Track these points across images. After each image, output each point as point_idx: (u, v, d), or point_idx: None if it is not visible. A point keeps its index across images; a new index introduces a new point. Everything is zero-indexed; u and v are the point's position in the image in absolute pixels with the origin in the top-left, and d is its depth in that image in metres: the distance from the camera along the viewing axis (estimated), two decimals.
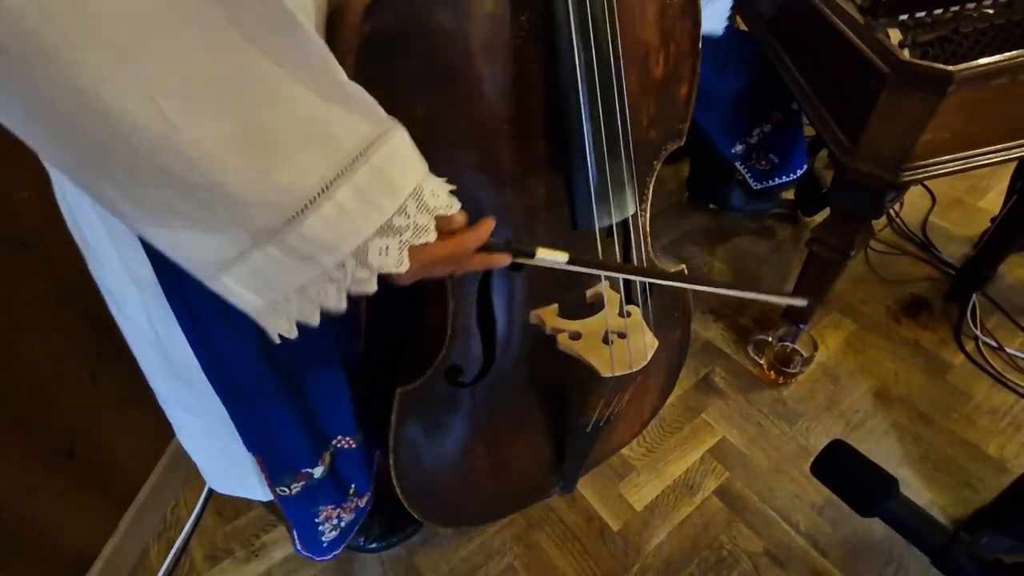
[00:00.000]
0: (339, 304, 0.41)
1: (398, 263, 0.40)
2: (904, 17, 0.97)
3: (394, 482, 0.84)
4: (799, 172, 1.49)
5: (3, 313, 0.80)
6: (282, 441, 0.72)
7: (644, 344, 0.70)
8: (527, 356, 0.77)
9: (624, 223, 0.70)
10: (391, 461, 0.81)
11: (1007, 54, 0.81)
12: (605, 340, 0.70)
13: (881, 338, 1.44)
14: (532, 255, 0.52)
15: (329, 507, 0.86)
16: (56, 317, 0.88)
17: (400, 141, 0.39)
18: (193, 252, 0.36)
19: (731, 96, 1.37)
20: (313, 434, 0.75)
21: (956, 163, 0.92)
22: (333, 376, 0.73)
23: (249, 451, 0.71)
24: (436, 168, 0.43)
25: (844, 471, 0.52)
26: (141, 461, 1.10)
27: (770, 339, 1.34)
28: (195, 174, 0.31)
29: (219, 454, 0.75)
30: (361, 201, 0.37)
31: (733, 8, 1.26)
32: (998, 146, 0.91)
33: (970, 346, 1.40)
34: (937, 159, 0.90)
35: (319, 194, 0.35)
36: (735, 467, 1.21)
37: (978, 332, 1.41)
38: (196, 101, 0.29)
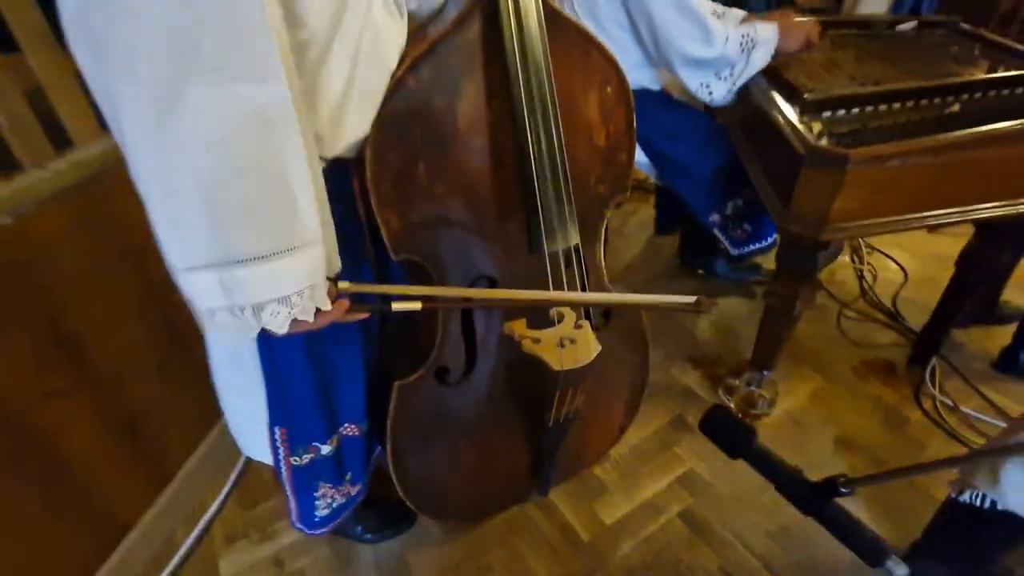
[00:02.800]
0: (243, 331, 0.59)
1: (280, 327, 0.59)
2: (827, 114, 1.21)
3: (391, 469, 1.01)
4: (770, 240, 1.69)
5: (103, 306, 1.04)
6: (304, 418, 0.90)
7: (589, 348, 0.89)
8: (502, 361, 0.97)
9: (577, 254, 0.91)
10: (388, 448, 0.99)
11: (897, 143, 1.04)
12: (560, 345, 0.90)
13: (846, 393, 1.57)
14: (389, 309, 0.71)
15: (327, 485, 1.01)
16: (141, 315, 1.12)
17: (315, 254, 0.59)
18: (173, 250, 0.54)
19: (708, 174, 1.60)
20: (328, 417, 0.93)
21: (868, 227, 1.12)
22: (354, 372, 0.93)
23: (275, 426, 0.89)
24: (435, 207, 0.67)
25: (719, 426, 0.69)
26: (184, 447, 1.29)
27: (738, 383, 1.49)
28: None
29: (257, 429, 0.93)
30: (273, 278, 0.56)
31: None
32: (904, 216, 1.12)
33: (928, 404, 1.52)
34: (852, 223, 1.10)
35: (254, 259, 0.54)
36: (700, 494, 1.33)
37: (936, 392, 1.53)
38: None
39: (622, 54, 1.31)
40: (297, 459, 0.95)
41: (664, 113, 1.51)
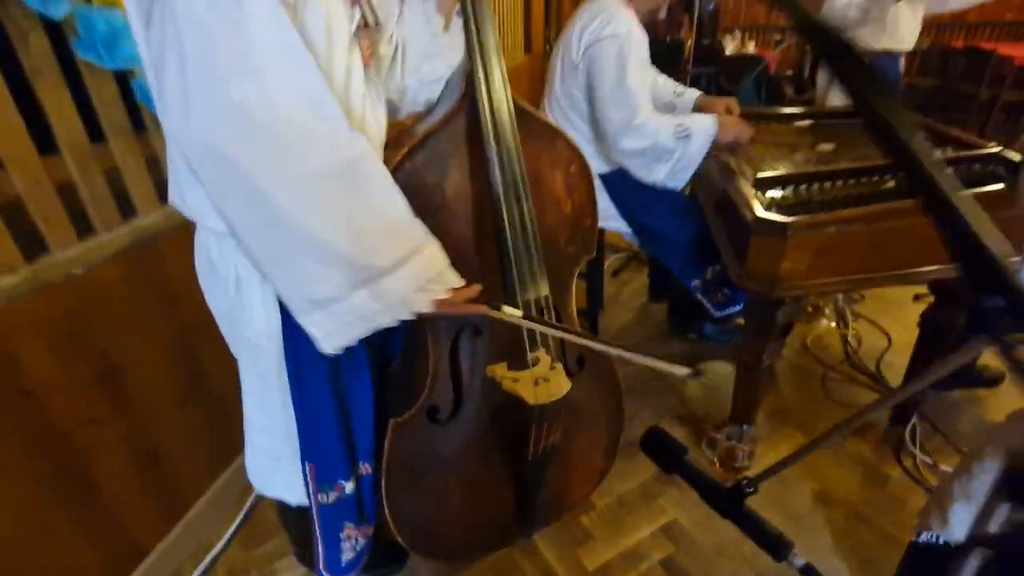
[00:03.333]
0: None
1: (427, 307, 0.79)
2: (777, 190, 1.37)
3: (385, 506, 1.10)
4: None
5: (142, 345, 1.21)
6: (330, 455, 1.00)
7: (560, 386, 1.02)
8: (486, 400, 1.09)
9: (549, 304, 1.05)
10: (383, 483, 1.09)
11: (833, 213, 1.19)
12: (535, 383, 1.03)
13: (828, 451, 1.63)
14: (498, 308, 0.87)
15: (351, 526, 1.08)
16: (171, 356, 1.28)
17: (435, 247, 0.80)
18: (309, 286, 0.74)
19: (684, 242, 1.76)
20: (350, 453, 1.03)
21: (817, 287, 1.25)
22: (367, 408, 1.03)
23: (306, 461, 0.98)
24: None
25: (656, 444, 0.79)
26: (198, 484, 1.40)
27: (719, 437, 1.56)
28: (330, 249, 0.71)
29: (274, 468, 1.04)
30: (413, 275, 0.76)
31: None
32: (849, 276, 1.25)
33: (908, 462, 1.56)
34: (801, 282, 1.24)
35: (394, 266, 0.75)
36: (682, 544, 1.37)
37: (916, 451, 1.58)
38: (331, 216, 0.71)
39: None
40: (324, 497, 1.02)
41: (643, 190, 1.70)
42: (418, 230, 0.80)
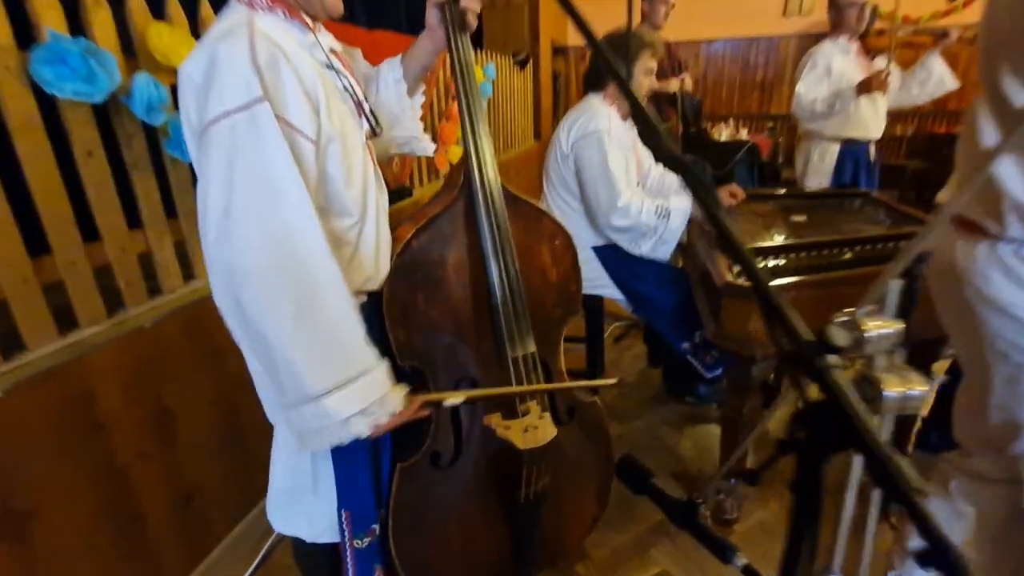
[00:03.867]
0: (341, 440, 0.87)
1: (364, 432, 0.87)
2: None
3: (392, 547, 1.20)
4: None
5: (192, 391, 1.39)
6: (365, 500, 1.10)
7: (547, 433, 1.17)
8: (482, 448, 1.22)
9: (536, 359, 1.20)
10: (390, 525, 1.20)
11: (794, 278, 1.37)
12: (525, 431, 1.17)
13: None
14: (440, 404, 1.03)
15: (380, 568, 1.15)
16: (214, 402, 1.45)
17: (382, 373, 0.88)
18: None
19: (672, 307, 1.93)
20: (378, 496, 1.14)
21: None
22: (388, 451, 1.16)
23: (343, 509, 1.07)
24: (429, 326, 1.02)
25: (627, 468, 0.93)
26: (223, 525, 1.53)
27: (708, 492, 1.65)
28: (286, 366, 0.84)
29: (293, 503, 1.12)
30: (354, 398, 0.84)
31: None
32: None
33: (895, 518, 1.63)
34: (761, 344, 1.39)
35: (333, 388, 0.83)
36: None
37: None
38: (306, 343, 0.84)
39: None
40: (359, 542, 1.10)
41: (632, 261, 1.90)
42: (368, 356, 0.87)
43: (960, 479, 1.17)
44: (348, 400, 0.84)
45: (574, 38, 5.39)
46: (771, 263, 1.52)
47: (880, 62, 2.44)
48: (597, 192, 1.76)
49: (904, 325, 0.53)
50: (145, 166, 1.25)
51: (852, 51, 2.51)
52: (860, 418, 0.41)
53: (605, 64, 1.77)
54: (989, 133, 0.95)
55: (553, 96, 5.08)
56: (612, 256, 1.92)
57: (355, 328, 0.87)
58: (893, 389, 0.50)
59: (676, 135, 3.38)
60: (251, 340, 0.83)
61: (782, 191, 2.33)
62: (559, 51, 5.20)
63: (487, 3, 3.90)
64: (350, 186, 0.93)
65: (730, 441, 1.61)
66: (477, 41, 3.75)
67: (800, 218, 1.91)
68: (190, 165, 1.35)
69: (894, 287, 0.78)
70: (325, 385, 0.83)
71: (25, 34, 1.02)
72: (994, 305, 0.98)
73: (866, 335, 0.52)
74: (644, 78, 1.77)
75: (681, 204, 1.77)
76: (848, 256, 1.53)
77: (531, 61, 4.26)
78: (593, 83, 1.85)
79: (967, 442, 1.16)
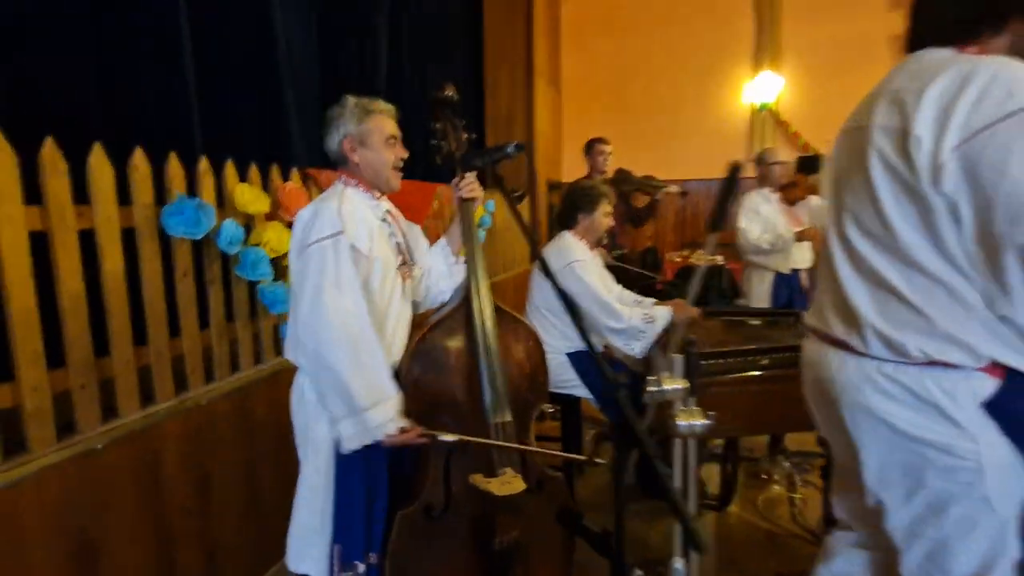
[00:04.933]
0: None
1: (385, 436, 1.33)
2: None
3: None
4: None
5: (224, 462, 1.68)
6: (355, 536, 1.40)
7: (518, 487, 1.45)
8: (467, 502, 1.51)
9: (511, 428, 1.52)
10: (387, 566, 1.46)
11: (716, 378, 1.71)
12: (502, 484, 1.47)
13: None
14: (435, 437, 1.37)
15: None
16: (243, 472, 1.74)
17: (398, 401, 1.36)
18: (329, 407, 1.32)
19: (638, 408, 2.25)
20: (367, 538, 1.43)
21: (716, 433, 1.70)
22: (384, 500, 1.47)
23: (335, 542, 1.39)
24: (434, 399, 1.40)
25: (566, 516, 1.21)
26: None
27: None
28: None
29: (309, 543, 1.42)
30: (382, 412, 1.32)
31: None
32: (734, 425, 1.71)
33: None
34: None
35: (371, 405, 1.31)
36: None
37: None
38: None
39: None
40: None
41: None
42: (391, 388, 1.36)
43: (843, 550, 1.34)
44: (379, 412, 1.31)
45: (567, 175, 6.19)
46: (715, 362, 1.87)
47: (800, 210, 3.01)
48: (594, 311, 2.16)
49: (689, 384, 0.89)
50: (218, 284, 1.68)
51: (773, 200, 3.10)
52: (642, 434, 0.76)
53: (574, 205, 2.29)
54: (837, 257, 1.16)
55: (548, 225, 5.74)
56: (583, 361, 2.28)
57: (385, 370, 1.36)
58: (682, 421, 0.85)
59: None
60: (324, 375, 1.30)
61: (736, 310, 2.73)
62: (554, 187, 5.96)
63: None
64: (383, 292, 1.43)
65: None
66: (481, 180, 4.43)
67: (740, 331, 2.29)
68: (248, 283, 1.79)
69: (679, 359, 1.14)
70: (366, 403, 1.30)
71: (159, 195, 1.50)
72: (860, 409, 1.09)
73: (665, 389, 0.88)
74: (604, 219, 2.29)
75: (663, 313, 2.17)
76: (766, 362, 1.88)
77: (527, 196, 4.94)
78: (565, 221, 2.34)
79: (845, 519, 1.33)
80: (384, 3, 3.16)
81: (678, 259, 5.33)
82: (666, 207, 5.92)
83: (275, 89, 2.22)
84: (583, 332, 0.98)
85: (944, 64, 0.96)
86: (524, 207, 4.92)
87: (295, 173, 2.02)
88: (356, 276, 1.33)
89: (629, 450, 0.99)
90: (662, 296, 4.98)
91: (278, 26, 2.25)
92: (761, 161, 3.20)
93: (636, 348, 2.19)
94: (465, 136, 1.64)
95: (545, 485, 1.62)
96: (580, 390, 2.31)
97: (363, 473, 1.40)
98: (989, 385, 0.98)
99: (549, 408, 3.13)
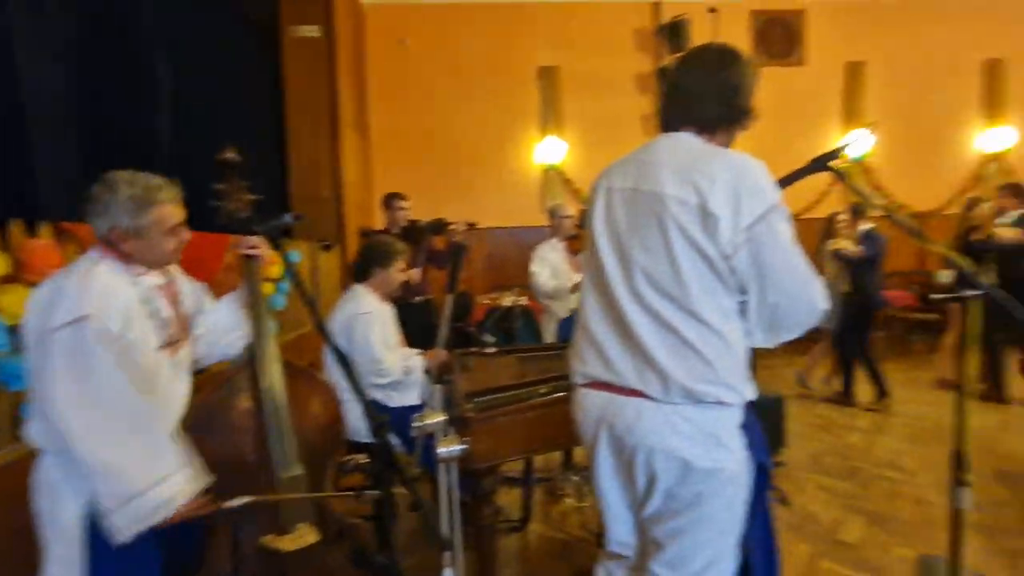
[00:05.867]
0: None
1: (165, 517, 1.26)
2: (477, 398, 2.12)
3: None
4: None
5: None
6: None
7: (307, 541, 1.47)
8: (260, 560, 1.47)
9: (304, 481, 1.54)
10: None
11: (499, 409, 1.94)
12: (292, 541, 1.47)
13: None
14: (220, 505, 1.35)
15: None
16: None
17: (177, 478, 1.28)
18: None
19: None
20: None
21: (502, 459, 1.92)
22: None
23: None
24: (216, 462, 1.36)
25: (361, 558, 1.28)
26: None
27: None
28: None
29: None
30: (156, 498, 1.24)
31: None
32: (528, 448, 1.95)
33: None
34: (489, 459, 1.89)
35: (145, 489, 1.24)
36: None
37: None
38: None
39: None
40: None
41: (395, 411, 2.35)
42: (172, 463, 1.28)
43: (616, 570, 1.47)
44: (159, 492, 1.23)
45: (381, 222, 6.28)
46: (490, 402, 2.10)
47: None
48: (365, 364, 2.28)
49: (445, 416, 1.06)
50: None
51: (560, 248, 3.60)
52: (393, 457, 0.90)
53: (371, 260, 2.40)
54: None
55: (342, 281, 5.72)
56: (386, 407, 2.36)
57: (162, 446, 1.29)
58: (442, 448, 1.01)
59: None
60: (87, 468, 1.20)
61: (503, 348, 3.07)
62: (366, 234, 5.99)
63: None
64: (146, 369, 1.35)
65: (482, 547, 2.01)
66: (286, 231, 4.28)
67: (536, 364, 2.60)
68: None
69: (438, 390, 1.36)
70: (141, 486, 1.22)
71: None
72: (659, 451, 1.19)
73: (427, 422, 1.03)
74: (398, 274, 2.45)
75: (419, 363, 2.36)
76: (544, 390, 2.18)
77: (337, 245, 4.91)
78: (360, 275, 2.44)
79: (616, 551, 1.42)
80: (160, 42, 2.97)
81: (488, 301, 5.74)
82: (474, 252, 6.34)
83: (18, 133, 1.97)
84: (354, 383, 1.10)
85: (710, 150, 1.21)
86: (334, 255, 4.87)
87: (45, 228, 1.81)
88: (109, 359, 1.24)
89: (392, 481, 1.11)
90: (470, 338, 5.29)
91: (21, 63, 2.01)
92: (553, 214, 3.69)
93: (394, 398, 2.36)
94: (249, 198, 1.65)
95: (346, 534, 1.66)
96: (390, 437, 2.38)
97: (128, 561, 1.29)
98: (741, 413, 1.23)
99: (361, 458, 3.12)
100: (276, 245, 1.42)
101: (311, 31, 4.54)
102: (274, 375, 1.53)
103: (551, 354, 2.86)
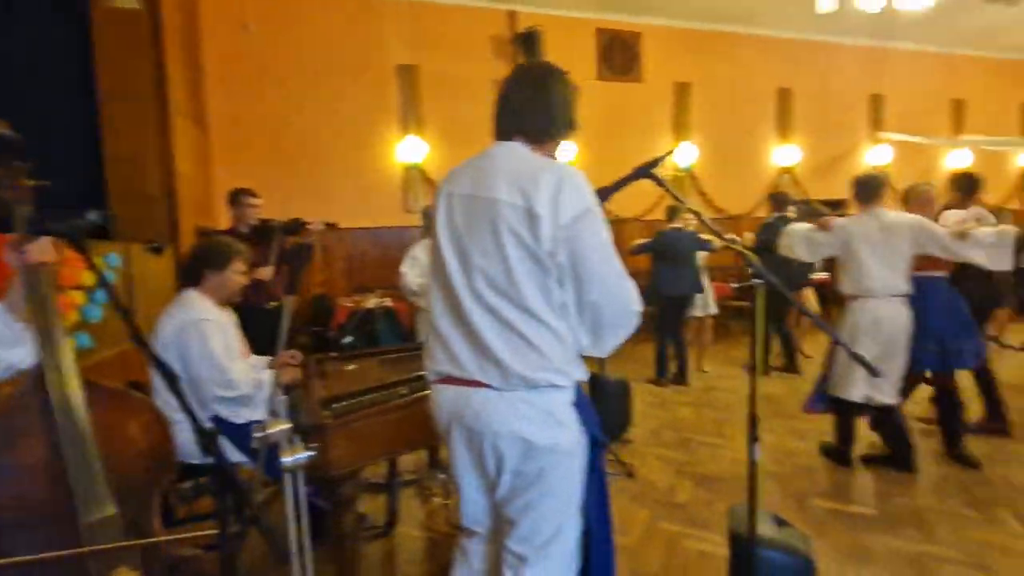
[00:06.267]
0: None
1: None
2: (335, 404, 2.05)
3: None
4: None
5: None
6: None
7: None
8: None
9: (118, 521, 1.35)
10: None
11: (357, 413, 1.89)
12: None
13: None
14: None
15: None
16: None
17: None
18: None
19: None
20: None
21: (362, 464, 1.88)
22: None
23: None
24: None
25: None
26: None
27: None
28: None
29: None
30: None
31: None
32: (382, 451, 1.92)
33: None
34: (349, 465, 1.84)
35: None
36: None
37: None
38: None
39: None
40: None
41: (239, 428, 2.16)
42: None
43: (476, 549, 1.58)
44: None
45: (224, 221, 5.72)
46: (348, 407, 2.04)
47: None
48: (203, 372, 2.04)
49: (291, 424, 1.03)
50: None
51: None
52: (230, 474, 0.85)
53: (202, 262, 2.18)
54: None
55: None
56: (224, 423, 2.17)
57: None
58: (285, 456, 0.98)
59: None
60: None
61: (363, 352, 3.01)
62: (205, 233, 5.42)
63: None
64: None
65: (343, 558, 1.95)
66: (103, 233, 3.67)
67: (401, 366, 2.56)
68: None
69: (282, 398, 1.31)
70: None
71: None
72: (505, 435, 1.30)
73: (269, 431, 0.99)
74: (236, 276, 2.25)
75: (268, 377, 2.14)
76: (404, 391, 2.17)
77: (170, 246, 4.38)
78: (189, 278, 2.20)
79: (471, 528, 1.53)
80: None
81: (350, 304, 5.53)
82: (333, 254, 6.07)
83: None
84: (179, 397, 1.00)
85: (538, 160, 1.31)
86: (167, 258, 4.34)
87: None
88: None
89: (227, 495, 1.05)
90: (329, 342, 5.08)
91: None
92: (426, 215, 3.64)
93: (242, 414, 2.13)
94: (29, 183, 1.34)
95: (181, 568, 1.51)
96: (234, 455, 2.19)
97: None
98: (572, 393, 1.35)
99: (203, 480, 2.83)
100: (81, 248, 1.23)
101: (128, 1, 3.98)
102: (71, 398, 1.32)
103: (413, 354, 2.86)
